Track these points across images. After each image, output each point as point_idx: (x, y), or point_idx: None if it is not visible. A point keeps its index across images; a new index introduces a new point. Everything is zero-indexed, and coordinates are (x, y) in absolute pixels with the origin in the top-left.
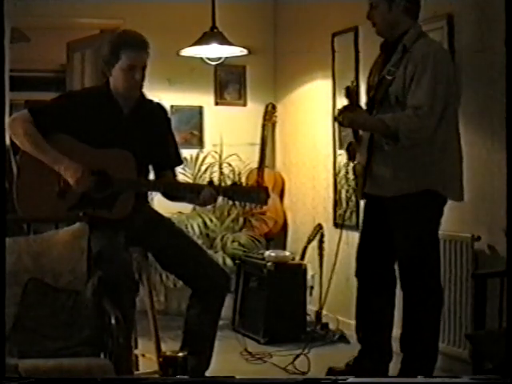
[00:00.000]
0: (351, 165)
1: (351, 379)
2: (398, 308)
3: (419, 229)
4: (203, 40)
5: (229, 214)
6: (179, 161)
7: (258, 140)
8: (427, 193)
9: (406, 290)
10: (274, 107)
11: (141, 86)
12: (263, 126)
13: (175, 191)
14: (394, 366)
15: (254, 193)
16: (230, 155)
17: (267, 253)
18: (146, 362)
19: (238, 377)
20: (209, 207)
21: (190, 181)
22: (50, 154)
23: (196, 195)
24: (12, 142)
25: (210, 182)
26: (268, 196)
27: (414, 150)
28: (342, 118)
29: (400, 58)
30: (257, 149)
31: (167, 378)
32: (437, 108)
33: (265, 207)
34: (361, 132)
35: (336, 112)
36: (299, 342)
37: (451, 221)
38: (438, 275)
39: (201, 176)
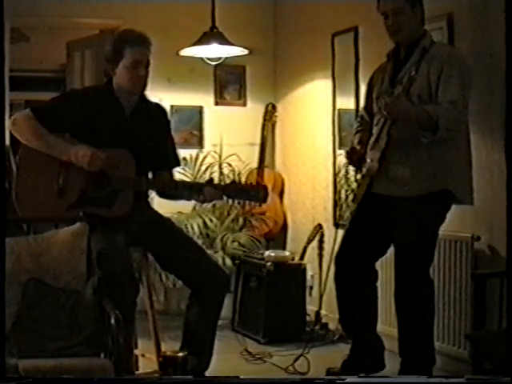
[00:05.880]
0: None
1: (349, 379)
2: (391, 306)
3: (429, 227)
4: (203, 40)
5: (229, 214)
6: (177, 162)
7: (257, 140)
8: (443, 192)
9: (404, 287)
10: (273, 107)
11: (145, 83)
12: (263, 126)
13: (174, 190)
14: (393, 367)
15: (252, 191)
16: (230, 155)
17: (267, 253)
18: (146, 361)
19: (238, 377)
20: (209, 207)
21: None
22: (56, 145)
23: (195, 194)
24: (12, 142)
25: (210, 181)
26: (267, 194)
27: (433, 150)
28: (389, 108)
29: (419, 60)
30: (257, 149)
31: (167, 378)
32: (467, 103)
33: (265, 207)
34: (384, 130)
35: (380, 102)
36: (299, 342)
37: (451, 221)
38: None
39: (201, 176)
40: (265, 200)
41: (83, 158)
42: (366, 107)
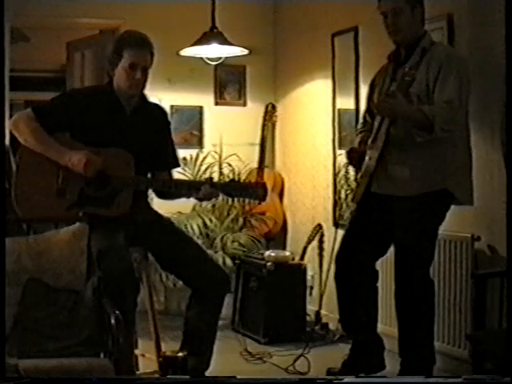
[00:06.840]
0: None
1: (347, 379)
2: (391, 306)
3: (428, 227)
4: (203, 40)
5: (228, 214)
6: (176, 163)
7: (257, 140)
8: (442, 192)
9: (404, 286)
10: (273, 107)
11: (142, 86)
12: (263, 126)
13: (173, 189)
14: (393, 367)
15: (252, 188)
16: (230, 155)
17: (267, 253)
18: (146, 362)
19: (238, 377)
20: (208, 207)
21: None
22: (53, 148)
23: (195, 192)
24: (12, 142)
25: (210, 179)
26: (266, 192)
27: (431, 149)
28: (380, 106)
29: (419, 61)
30: (257, 149)
31: (167, 378)
32: (463, 103)
33: (264, 207)
34: (382, 129)
35: (375, 101)
36: (299, 342)
37: (451, 221)
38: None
39: (201, 176)
40: (264, 198)
41: (79, 163)
42: (367, 109)
